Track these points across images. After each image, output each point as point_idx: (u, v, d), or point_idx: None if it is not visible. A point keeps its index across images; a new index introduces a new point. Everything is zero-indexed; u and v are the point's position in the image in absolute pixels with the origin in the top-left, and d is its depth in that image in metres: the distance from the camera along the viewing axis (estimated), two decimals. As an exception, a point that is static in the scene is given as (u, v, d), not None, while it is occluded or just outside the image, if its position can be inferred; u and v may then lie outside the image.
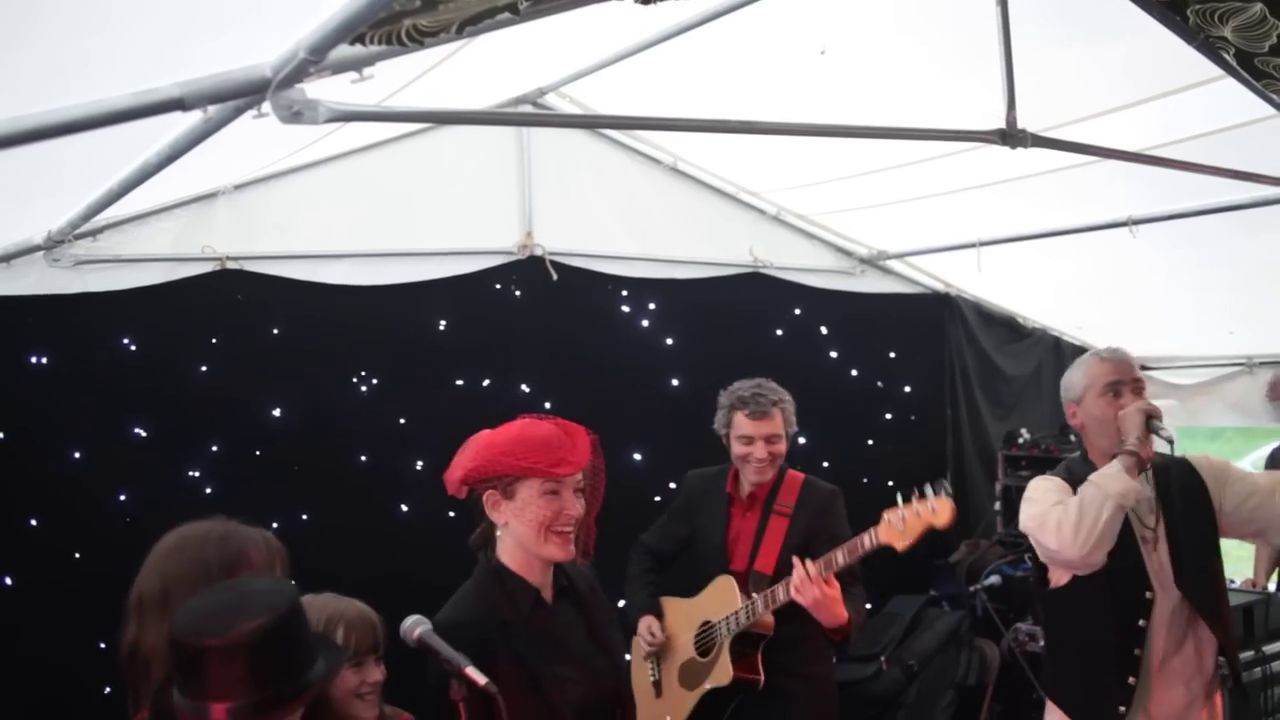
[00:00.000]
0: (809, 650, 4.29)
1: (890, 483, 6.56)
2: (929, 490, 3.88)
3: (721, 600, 4.33)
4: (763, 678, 4.22)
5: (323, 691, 2.35)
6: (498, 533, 2.95)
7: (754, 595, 4.19)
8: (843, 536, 4.14)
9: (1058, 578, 3.70)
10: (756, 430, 4.36)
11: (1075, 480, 3.53)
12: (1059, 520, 3.38)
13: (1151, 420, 3.44)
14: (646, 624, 4.54)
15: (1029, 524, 3.54)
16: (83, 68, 2.60)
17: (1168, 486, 3.62)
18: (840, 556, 3.95)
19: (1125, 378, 3.65)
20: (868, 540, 3.93)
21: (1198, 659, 3.61)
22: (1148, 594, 3.56)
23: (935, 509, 3.85)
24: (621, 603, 4.64)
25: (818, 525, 4.34)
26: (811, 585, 3.88)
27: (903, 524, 3.88)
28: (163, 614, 2.26)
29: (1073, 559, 3.42)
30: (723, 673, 4.24)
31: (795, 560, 3.96)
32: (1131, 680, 3.52)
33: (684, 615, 4.51)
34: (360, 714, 2.84)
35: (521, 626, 2.83)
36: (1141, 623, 3.55)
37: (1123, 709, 3.52)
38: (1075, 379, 3.77)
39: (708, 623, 4.36)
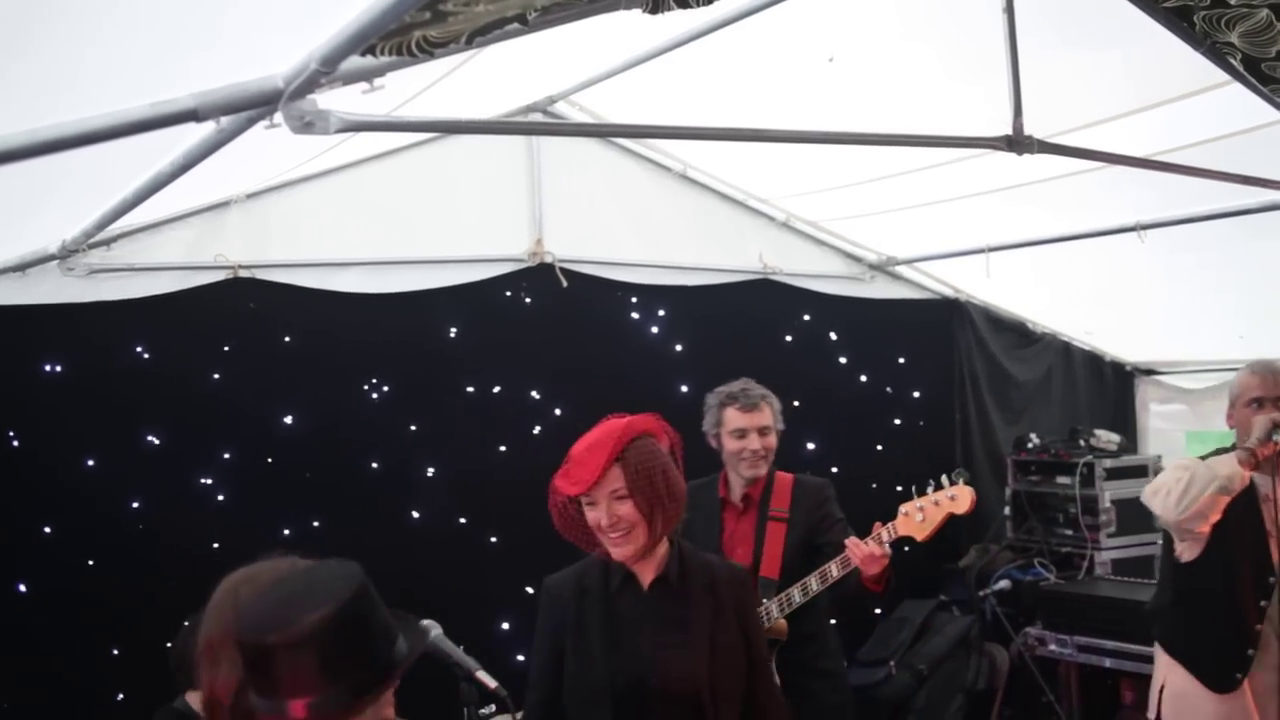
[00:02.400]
0: (821, 647, 4.38)
1: (899, 488, 6.60)
2: (945, 480, 3.99)
3: None
4: (777, 681, 4.21)
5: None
6: None
7: (765, 601, 4.20)
8: (841, 520, 4.39)
9: (1187, 552, 4.13)
10: (749, 422, 4.42)
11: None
12: (1169, 488, 3.90)
13: (1276, 427, 3.86)
14: None
15: (1146, 490, 4.07)
16: (93, 78, 2.63)
17: None
18: (859, 545, 4.01)
19: (1269, 394, 4.08)
20: (885, 534, 3.98)
21: None
22: (1271, 579, 4.02)
23: (955, 496, 3.95)
24: None
25: (815, 519, 4.43)
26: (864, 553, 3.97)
27: (921, 514, 3.96)
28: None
29: (1170, 522, 4.00)
30: None
31: (851, 542, 4.02)
32: (1251, 652, 4.02)
33: None
34: (379, 713, 2.83)
35: (599, 600, 3.08)
36: (1264, 603, 4.03)
37: (1239, 675, 4.02)
38: (1234, 386, 4.24)
39: None
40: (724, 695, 3.02)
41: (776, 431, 4.51)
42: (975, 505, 4.03)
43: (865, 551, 3.97)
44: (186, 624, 3.48)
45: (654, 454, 3.05)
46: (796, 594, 4.19)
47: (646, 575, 3.10)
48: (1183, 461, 4.06)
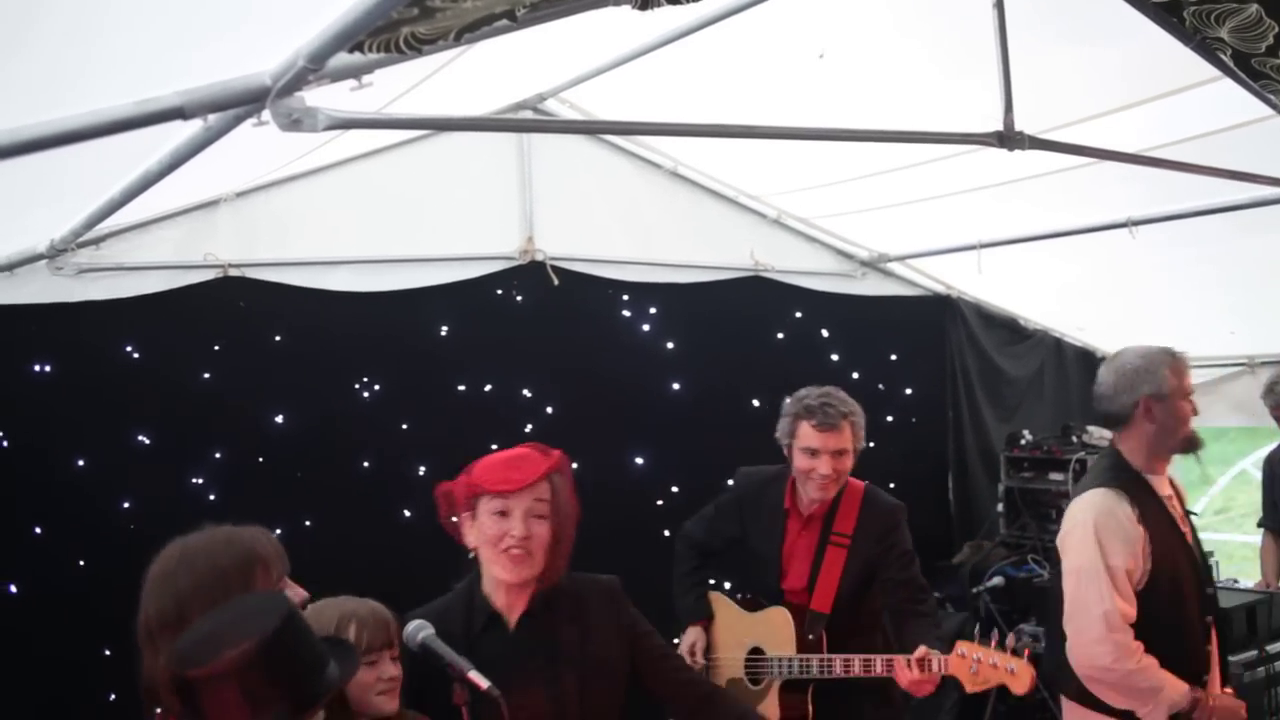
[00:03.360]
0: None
1: (892, 485, 6.60)
2: (1010, 644, 3.63)
3: (775, 635, 4.16)
4: (811, 711, 4.10)
5: (339, 691, 2.35)
6: (473, 554, 2.99)
7: (810, 658, 4.05)
8: (907, 554, 4.15)
9: None
10: (823, 443, 4.09)
11: (1130, 493, 3.70)
12: (1105, 647, 3.60)
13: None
14: (690, 643, 4.33)
15: (1074, 577, 3.70)
16: (80, 76, 2.61)
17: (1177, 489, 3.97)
18: (908, 670, 3.73)
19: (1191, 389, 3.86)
20: (936, 664, 3.69)
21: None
22: (1209, 590, 3.86)
23: (1015, 671, 3.58)
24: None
25: (878, 553, 4.15)
26: (909, 679, 3.73)
27: (976, 667, 3.63)
28: (180, 635, 2.20)
29: (1076, 663, 3.68)
30: (771, 711, 4.11)
31: (900, 665, 3.74)
32: (1205, 678, 3.73)
33: (735, 628, 4.33)
34: (382, 708, 2.82)
35: (462, 642, 2.81)
36: (1209, 619, 3.80)
37: (1206, 677, 3.73)
38: (1164, 377, 3.78)
39: (759, 651, 4.21)
40: (598, 713, 2.95)
41: (856, 452, 4.18)
42: (1030, 691, 3.63)
43: (911, 679, 3.71)
44: None
45: (571, 491, 2.97)
46: (857, 666, 3.94)
47: (515, 611, 2.96)
48: (1105, 508, 3.68)
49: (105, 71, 2.61)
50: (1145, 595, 3.66)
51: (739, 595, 4.44)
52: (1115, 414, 3.87)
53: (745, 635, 4.29)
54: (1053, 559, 4.05)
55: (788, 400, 4.30)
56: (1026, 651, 3.68)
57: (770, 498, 4.34)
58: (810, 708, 4.12)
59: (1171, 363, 3.82)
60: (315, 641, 2.23)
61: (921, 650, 3.70)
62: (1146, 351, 3.86)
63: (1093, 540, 3.65)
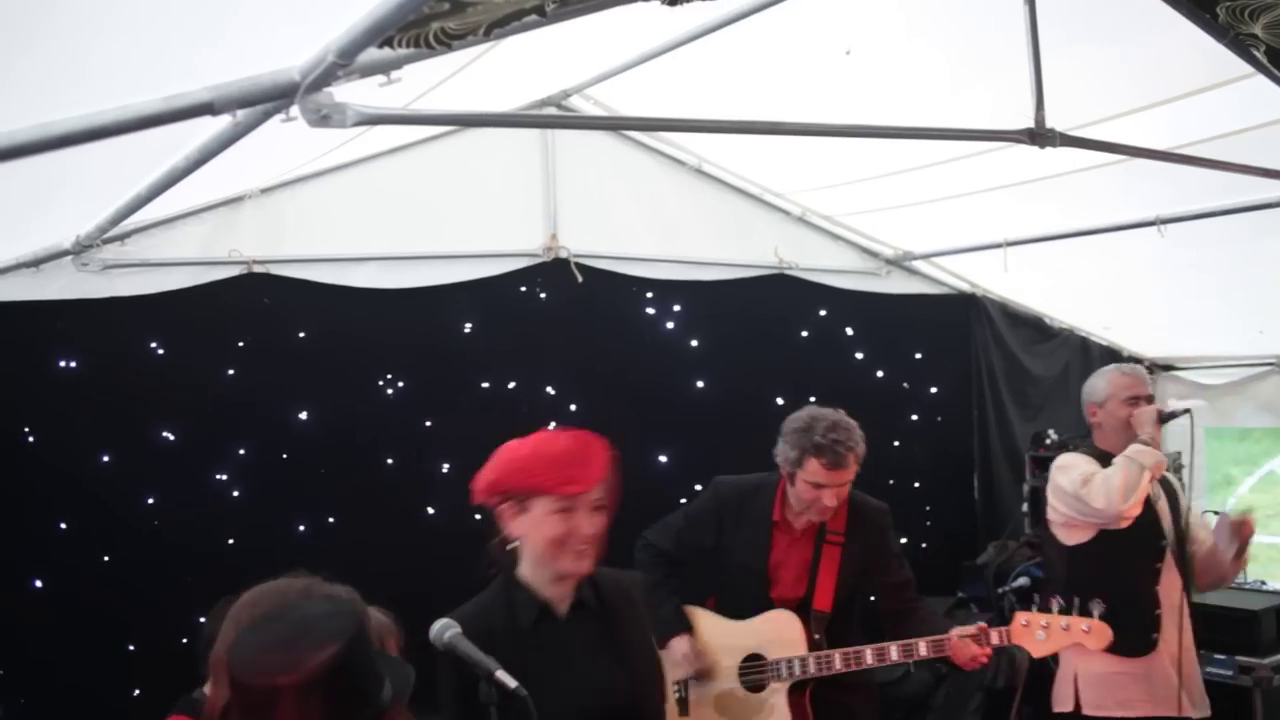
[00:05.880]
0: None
1: (916, 484, 6.56)
2: (1092, 609, 3.83)
3: (780, 638, 4.16)
4: (811, 714, 4.14)
5: None
6: (519, 545, 2.90)
7: (816, 636, 4.13)
8: (898, 555, 4.34)
9: (1076, 535, 4.45)
10: (831, 480, 4.08)
11: (1101, 461, 4.40)
12: (1106, 486, 4.22)
13: (1162, 415, 4.46)
14: (683, 653, 4.22)
15: (1070, 482, 4.35)
16: (108, 72, 2.61)
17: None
18: (966, 647, 3.90)
19: (1142, 393, 4.58)
20: (996, 637, 3.87)
21: (1171, 597, 4.40)
22: (1163, 542, 4.45)
23: (1090, 630, 3.82)
24: None
25: (872, 550, 4.27)
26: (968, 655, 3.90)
27: (1044, 633, 3.84)
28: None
29: (1113, 515, 4.24)
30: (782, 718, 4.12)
31: (958, 641, 3.90)
32: (1157, 612, 4.38)
33: (725, 638, 4.28)
34: None
35: (511, 637, 2.79)
36: (1158, 565, 4.43)
37: (1155, 635, 4.37)
38: (1099, 387, 4.68)
39: (758, 657, 4.19)
40: (656, 708, 2.98)
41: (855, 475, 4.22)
42: (1109, 648, 3.89)
43: (970, 654, 3.88)
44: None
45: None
46: (870, 656, 4.04)
47: (564, 602, 2.91)
48: (1076, 457, 4.54)
49: (134, 67, 2.61)
50: (1097, 542, 4.38)
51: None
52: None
53: (738, 643, 4.26)
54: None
55: (795, 430, 4.19)
56: (1097, 612, 3.87)
57: (755, 509, 4.33)
58: (811, 710, 4.17)
59: (1111, 374, 4.69)
60: (377, 653, 2.16)
61: (980, 625, 3.96)
62: (1099, 371, 4.82)
63: (1060, 465, 4.52)
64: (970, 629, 3.93)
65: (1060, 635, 3.86)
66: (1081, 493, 4.27)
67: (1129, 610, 4.18)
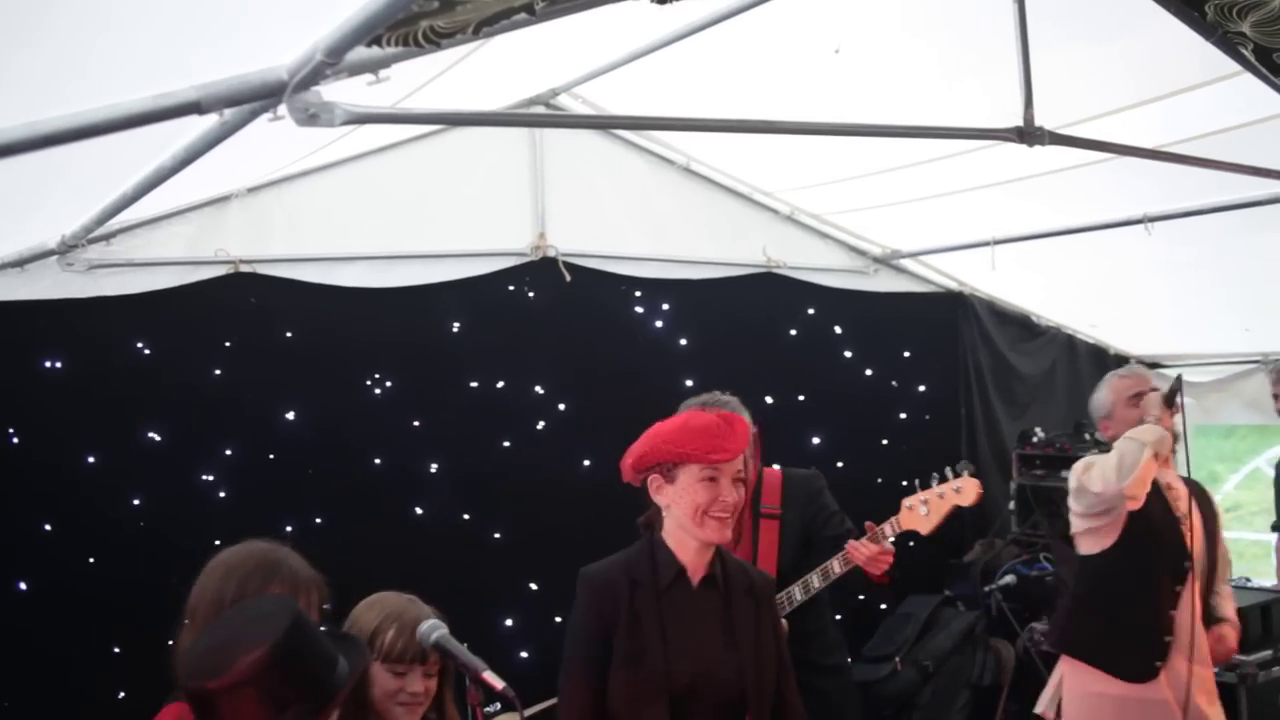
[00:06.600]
0: (825, 642, 4.34)
1: (904, 482, 6.58)
2: (949, 472, 3.95)
3: None
4: None
5: (362, 691, 2.35)
6: (663, 514, 3.13)
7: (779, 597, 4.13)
8: (837, 513, 4.35)
9: (1093, 543, 4.22)
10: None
11: None
12: (1101, 467, 4.01)
13: (1167, 397, 4.16)
14: None
15: (1074, 476, 4.13)
16: (94, 71, 2.59)
17: (1192, 488, 4.22)
18: (862, 548, 3.97)
19: (1145, 387, 4.37)
20: (889, 528, 3.96)
21: (1192, 633, 4.12)
22: (1186, 564, 4.14)
23: (960, 488, 3.91)
24: None
25: (810, 514, 4.35)
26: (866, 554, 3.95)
27: (926, 507, 3.92)
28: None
29: (1113, 495, 3.99)
30: None
31: (852, 545, 3.99)
32: (1168, 639, 4.10)
33: None
34: (397, 719, 2.80)
35: (652, 592, 3.06)
36: (1178, 589, 4.13)
37: (1159, 664, 4.08)
38: (1102, 398, 4.52)
39: None
40: (763, 698, 3.08)
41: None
42: (981, 498, 4.00)
43: (868, 553, 3.96)
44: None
45: None
46: (798, 591, 4.15)
47: (697, 573, 3.11)
48: (1087, 459, 4.20)
49: (120, 66, 2.59)
50: (1116, 552, 4.15)
51: None
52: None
53: None
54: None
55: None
56: (964, 470, 3.98)
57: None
58: None
59: (1111, 381, 4.55)
60: (323, 639, 2.25)
61: (867, 524, 4.01)
62: (1100, 384, 4.63)
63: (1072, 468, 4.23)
64: (864, 526, 4.03)
65: (938, 504, 3.93)
66: (1082, 479, 4.09)
67: (1135, 631, 4.14)
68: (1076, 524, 4.28)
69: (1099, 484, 4.02)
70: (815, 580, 4.13)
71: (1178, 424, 4.13)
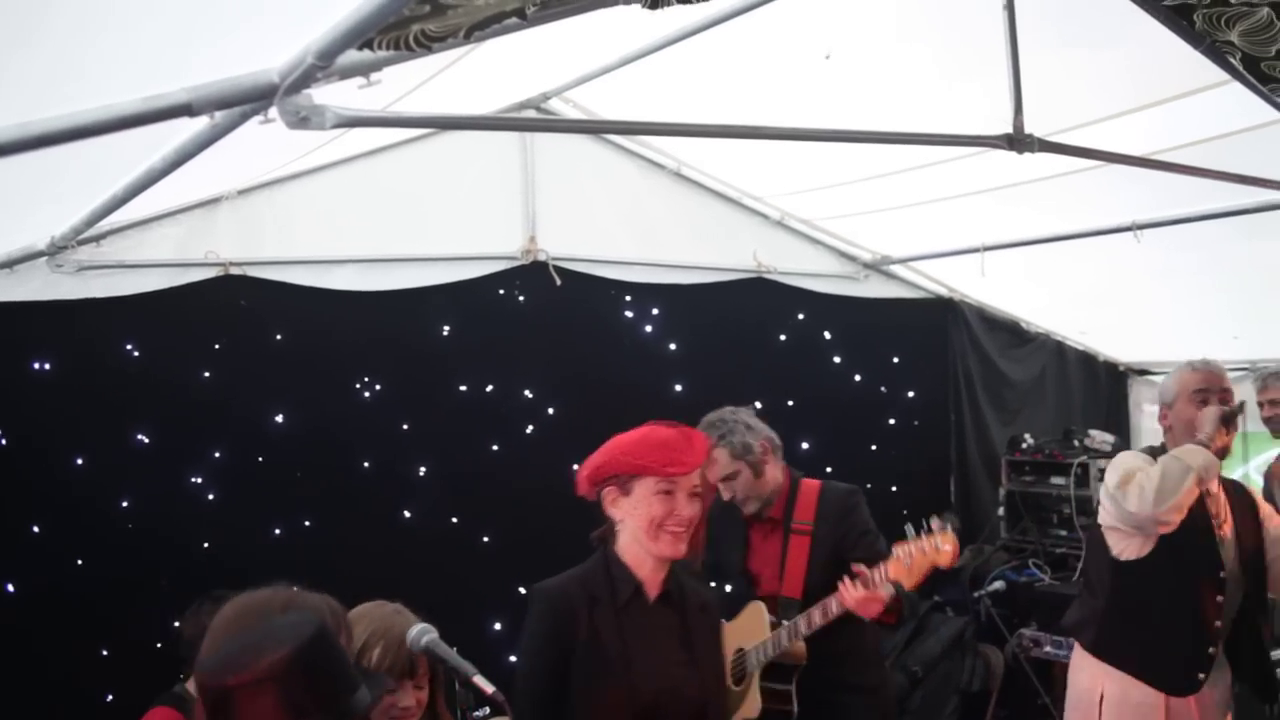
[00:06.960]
0: (859, 661, 4.23)
1: (894, 488, 6.57)
2: (934, 524, 3.79)
3: (752, 628, 4.19)
4: (796, 708, 4.09)
5: None
6: (616, 528, 3.11)
7: (783, 623, 4.07)
8: (870, 533, 4.20)
9: (1131, 549, 3.95)
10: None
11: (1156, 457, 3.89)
12: (1142, 484, 3.72)
13: (1226, 417, 3.88)
14: None
15: (1112, 481, 3.86)
16: (86, 72, 2.59)
17: (1229, 490, 4.11)
18: (852, 588, 3.78)
19: (1213, 386, 4.04)
20: (878, 576, 3.77)
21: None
22: (1222, 573, 3.94)
23: (939, 547, 3.74)
24: None
25: (841, 532, 4.21)
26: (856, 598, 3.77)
27: (909, 560, 3.77)
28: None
29: (1146, 518, 3.74)
30: (751, 705, 4.08)
31: (845, 586, 3.79)
32: (1212, 650, 3.92)
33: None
34: None
35: (610, 608, 3.03)
36: (1220, 598, 3.92)
37: (1202, 676, 3.91)
38: (1169, 385, 4.18)
39: (741, 650, 4.20)
40: (722, 714, 3.13)
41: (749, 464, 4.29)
42: (957, 560, 3.85)
43: (857, 597, 3.75)
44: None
45: None
46: (802, 624, 3.99)
47: (654, 589, 3.10)
48: (1130, 456, 4.00)
49: (111, 68, 2.59)
50: (1155, 559, 3.89)
51: None
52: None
53: (730, 641, 4.20)
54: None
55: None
56: (948, 526, 3.82)
57: (729, 511, 4.36)
58: (795, 703, 4.11)
59: (1181, 372, 4.15)
60: (348, 661, 2.21)
61: (858, 567, 3.78)
62: (1174, 367, 4.25)
63: (1112, 462, 4.02)
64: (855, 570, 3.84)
65: (920, 560, 3.75)
66: (1116, 494, 3.80)
67: (1177, 640, 3.93)
68: (1106, 518, 4.00)
69: (1134, 503, 3.74)
70: (817, 616, 3.96)
71: (1233, 444, 3.95)
